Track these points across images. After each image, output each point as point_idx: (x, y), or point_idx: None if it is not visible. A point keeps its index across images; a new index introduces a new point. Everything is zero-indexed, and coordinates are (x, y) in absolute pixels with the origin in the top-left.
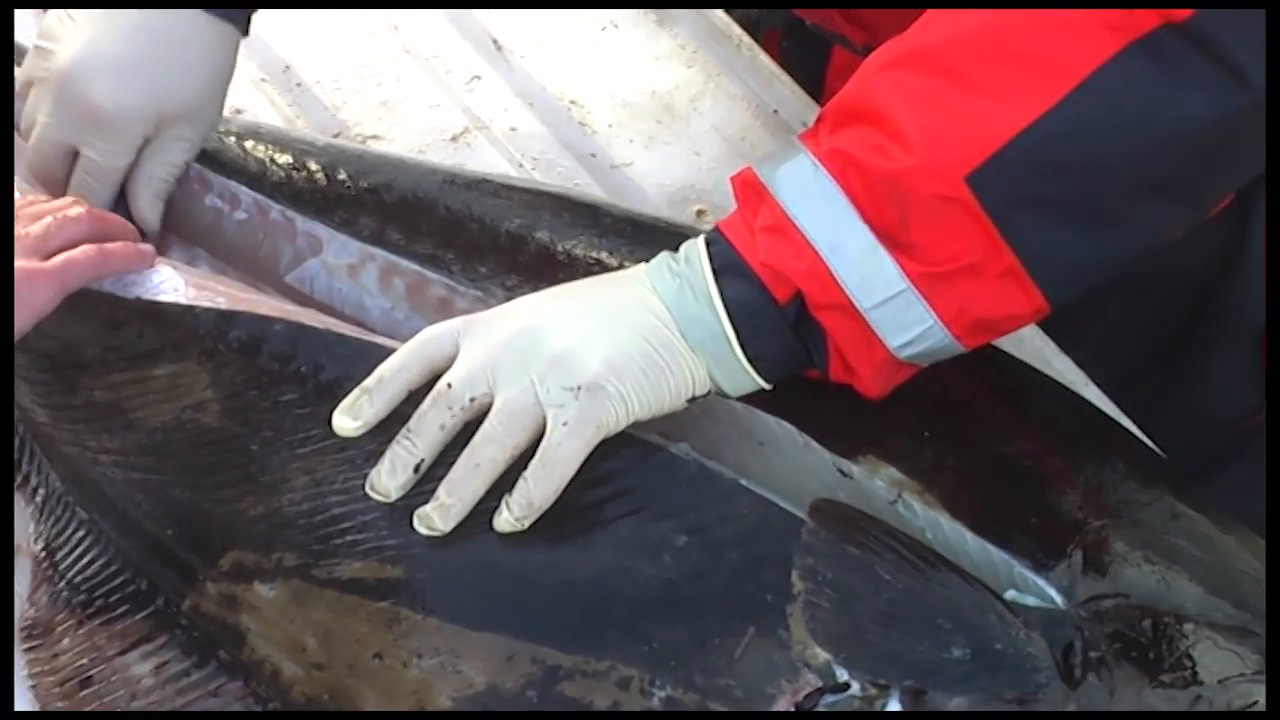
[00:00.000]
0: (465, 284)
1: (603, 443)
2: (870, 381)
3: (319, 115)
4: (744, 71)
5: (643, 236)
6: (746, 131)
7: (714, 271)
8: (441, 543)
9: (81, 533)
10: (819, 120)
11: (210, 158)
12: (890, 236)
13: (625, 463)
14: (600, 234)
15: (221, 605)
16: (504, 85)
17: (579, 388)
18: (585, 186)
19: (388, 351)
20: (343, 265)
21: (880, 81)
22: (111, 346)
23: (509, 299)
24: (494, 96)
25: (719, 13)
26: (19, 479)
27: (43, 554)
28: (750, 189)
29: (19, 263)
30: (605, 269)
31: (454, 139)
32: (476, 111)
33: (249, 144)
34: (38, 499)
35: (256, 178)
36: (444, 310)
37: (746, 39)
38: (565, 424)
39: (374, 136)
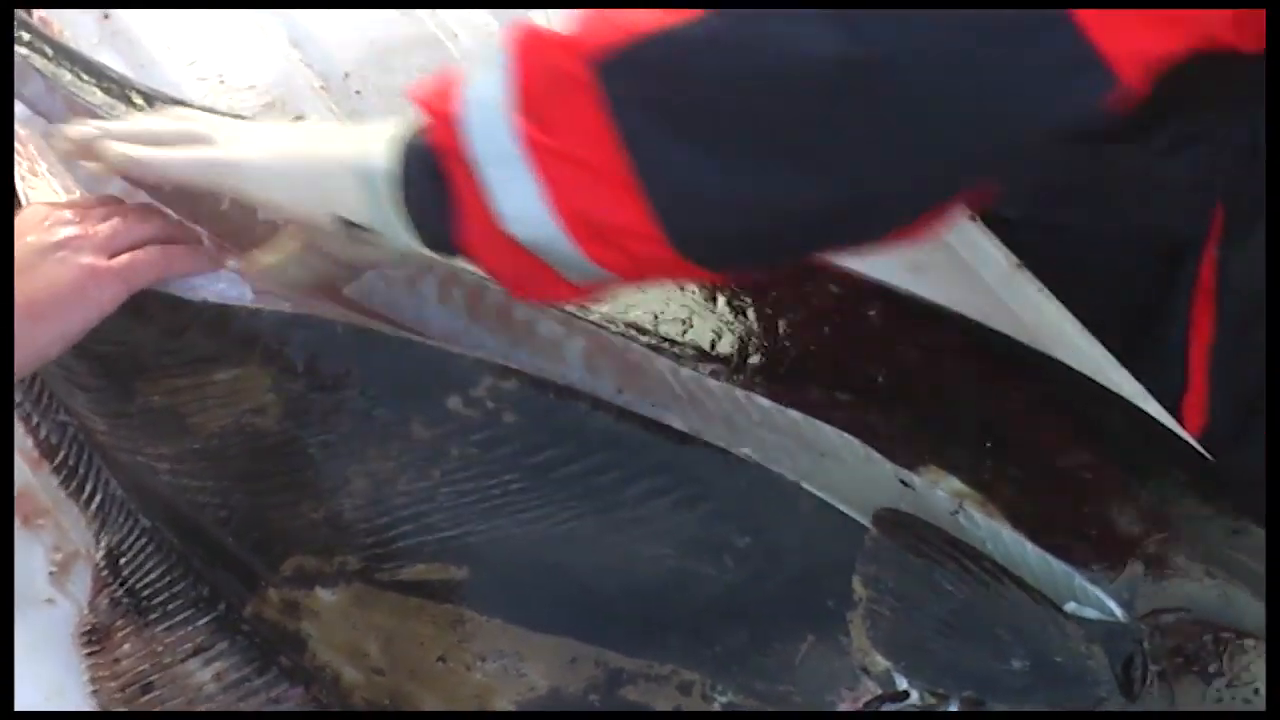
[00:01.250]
0: None
1: (665, 444)
2: (483, 251)
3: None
4: None
5: None
6: None
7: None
8: (505, 544)
9: (143, 540)
10: None
11: None
12: (528, 109)
13: (688, 464)
14: None
15: (283, 611)
16: None
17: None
18: None
19: (452, 356)
20: (401, 276)
21: None
22: (172, 350)
23: (567, 309)
24: None
25: None
26: (77, 486)
27: (103, 561)
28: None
29: (86, 260)
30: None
31: None
32: None
33: None
34: (96, 506)
35: None
36: (504, 320)
37: None
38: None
39: None
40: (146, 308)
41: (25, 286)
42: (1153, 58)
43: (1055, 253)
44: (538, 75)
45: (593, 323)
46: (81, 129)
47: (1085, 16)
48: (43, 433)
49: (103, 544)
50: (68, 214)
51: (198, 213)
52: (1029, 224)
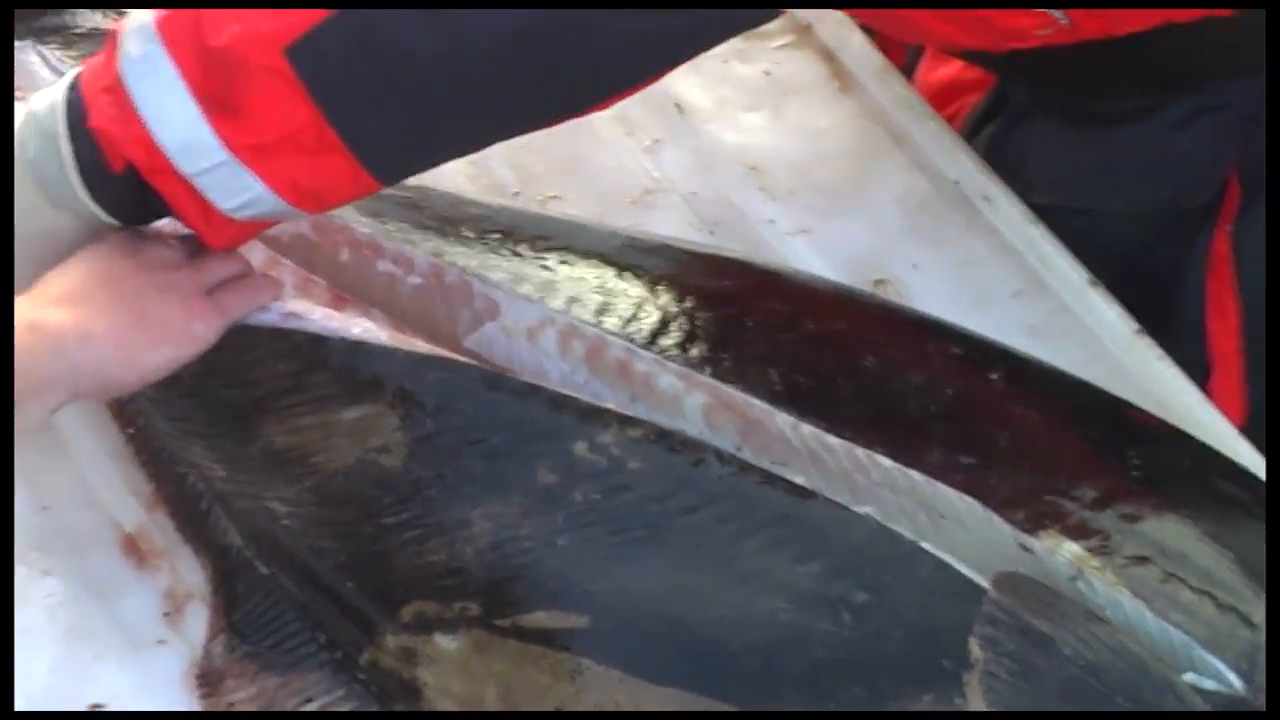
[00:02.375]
0: (645, 347)
1: (786, 498)
2: (210, 238)
3: (499, 174)
4: (925, 141)
5: (822, 304)
6: (926, 202)
7: (69, 128)
8: (625, 593)
9: (259, 586)
10: None
11: (383, 222)
12: (217, 105)
13: (808, 519)
14: (779, 300)
15: (400, 658)
16: (685, 149)
17: None
18: (764, 252)
19: (578, 403)
20: (522, 328)
21: None
22: (298, 389)
23: (689, 365)
24: (675, 160)
25: (901, 81)
26: (193, 532)
27: (218, 606)
28: (112, 39)
29: (190, 296)
30: (783, 334)
31: (634, 202)
32: (657, 174)
33: (422, 206)
34: (212, 553)
35: (431, 241)
36: (624, 374)
37: (929, 109)
38: None
39: (553, 197)
40: (272, 346)
41: (143, 315)
42: None
43: (1085, 236)
44: (212, 69)
45: (713, 378)
46: None
47: None
48: (160, 481)
49: (218, 589)
50: (166, 250)
51: (314, 262)
52: (1060, 209)
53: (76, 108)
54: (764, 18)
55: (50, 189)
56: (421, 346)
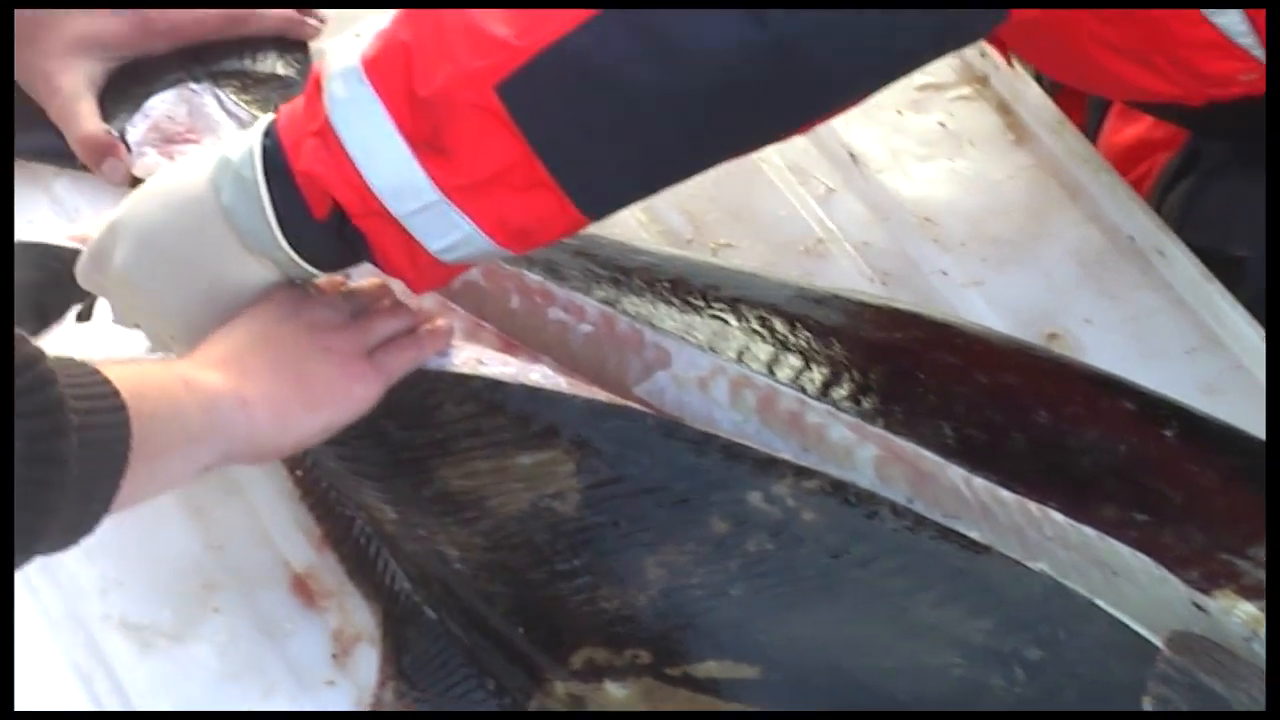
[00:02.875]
0: (817, 398)
1: (960, 552)
2: (416, 281)
3: (671, 221)
4: (1100, 195)
5: (995, 358)
6: (1101, 256)
7: (265, 174)
8: (796, 644)
9: (428, 631)
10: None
11: (554, 269)
12: (428, 146)
13: (982, 574)
14: (951, 352)
15: (569, 705)
16: (858, 199)
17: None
18: (936, 303)
19: (754, 453)
20: (693, 378)
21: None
22: (477, 433)
23: (861, 417)
24: (848, 209)
25: (1076, 134)
26: (363, 576)
27: (387, 651)
28: (315, 83)
29: (352, 358)
30: (956, 387)
31: (806, 250)
32: (830, 224)
33: (593, 254)
34: (382, 597)
35: (603, 289)
36: (795, 425)
37: (1105, 162)
38: None
39: (725, 245)
40: (452, 391)
41: (302, 379)
42: None
43: None
44: (422, 109)
45: (886, 430)
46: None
47: None
48: (329, 523)
49: (386, 633)
50: (329, 310)
51: (484, 308)
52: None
53: (275, 154)
54: (976, 29)
55: (246, 236)
56: (598, 393)
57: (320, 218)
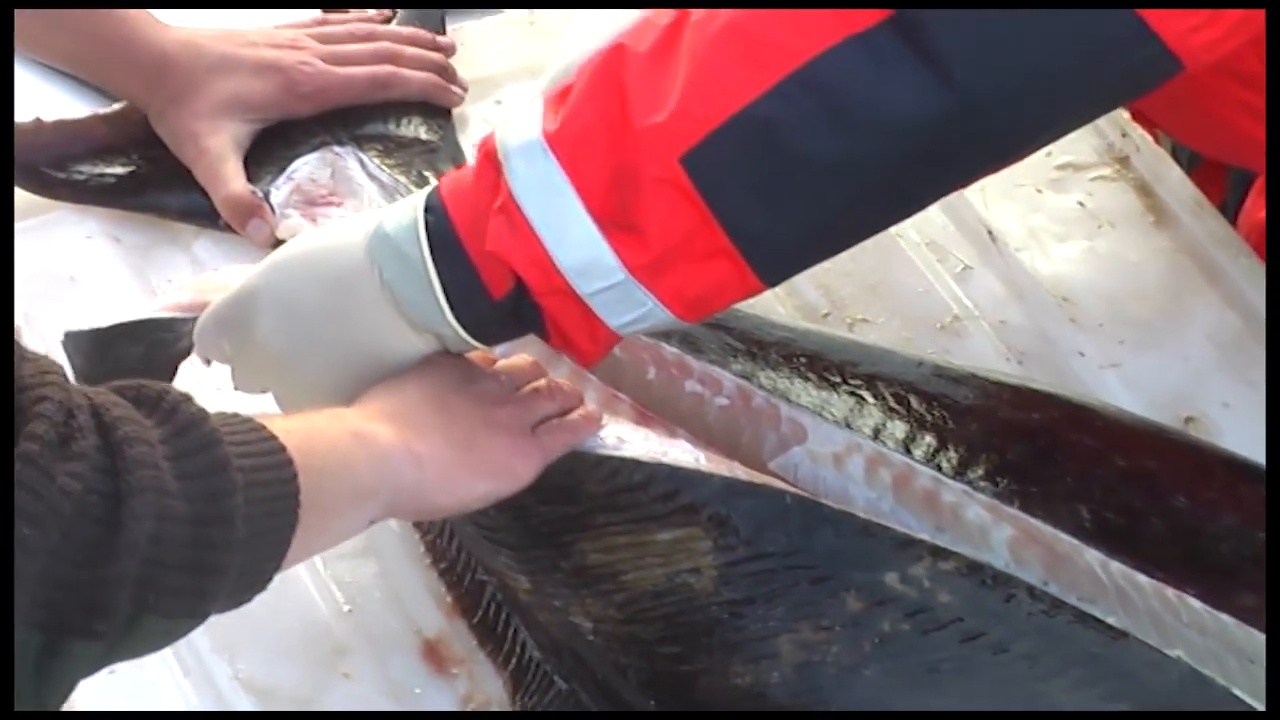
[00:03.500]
0: (952, 478)
1: (1097, 637)
2: (590, 356)
3: (808, 296)
4: (1240, 279)
5: (1133, 441)
6: (1239, 339)
7: (431, 249)
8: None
9: (558, 702)
10: (559, 95)
11: (690, 342)
12: (615, 223)
13: (1118, 660)
14: (1090, 434)
15: None
16: (996, 277)
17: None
18: (1072, 384)
19: (891, 532)
20: (828, 454)
21: (616, 64)
22: (618, 508)
23: (997, 497)
24: (985, 287)
25: (1216, 216)
26: (494, 646)
27: None
28: (489, 160)
29: (516, 434)
30: (1093, 469)
31: (942, 328)
32: (966, 301)
33: (730, 327)
34: (513, 667)
35: (739, 362)
36: (930, 504)
37: (1245, 246)
38: None
39: (862, 320)
40: (594, 471)
41: (471, 447)
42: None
43: None
44: (610, 185)
45: (1021, 511)
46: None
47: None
48: (460, 589)
49: (516, 702)
50: (495, 384)
51: (619, 379)
52: None
53: (443, 231)
54: (1157, 76)
55: (409, 311)
56: (738, 469)
57: (498, 296)
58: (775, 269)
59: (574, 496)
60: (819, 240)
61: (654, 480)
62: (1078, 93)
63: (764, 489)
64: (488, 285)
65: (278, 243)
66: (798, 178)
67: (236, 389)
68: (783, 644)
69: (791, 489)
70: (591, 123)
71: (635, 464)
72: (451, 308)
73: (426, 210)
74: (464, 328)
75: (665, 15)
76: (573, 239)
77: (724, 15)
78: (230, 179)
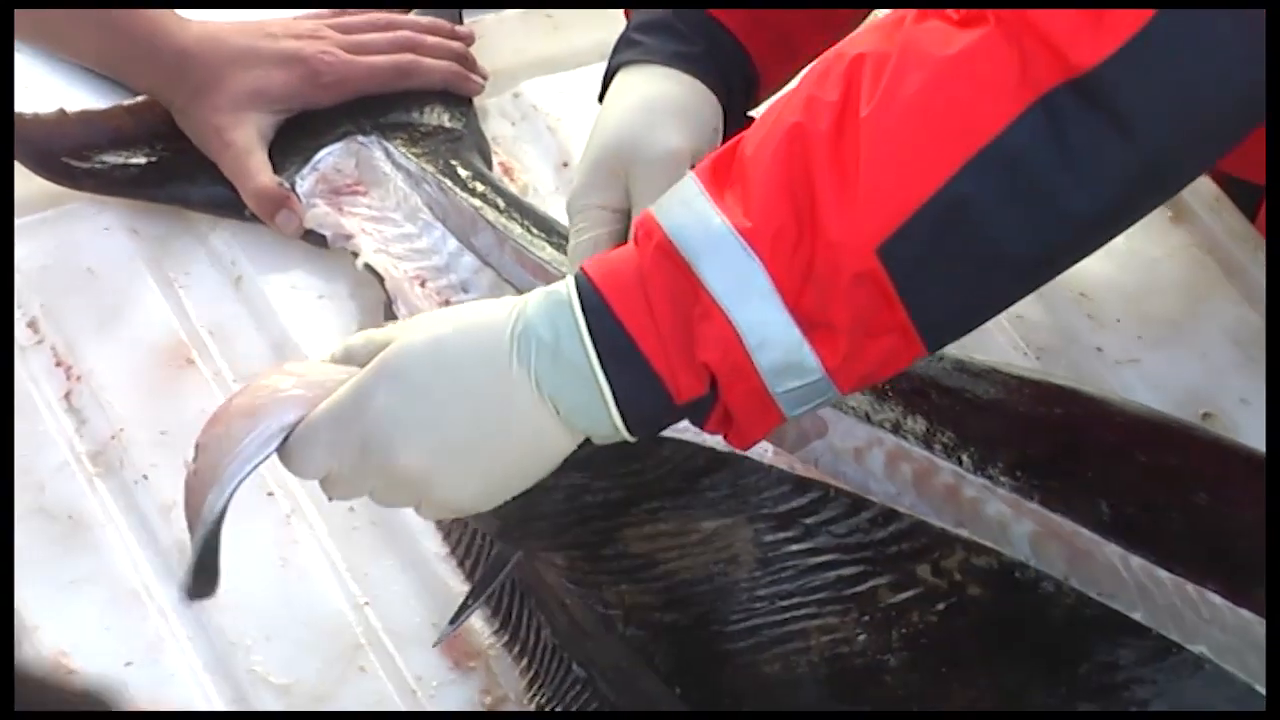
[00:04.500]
0: (973, 473)
1: (1119, 634)
2: (752, 442)
3: None
4: (1258, 274)
5: (1154, 436)
6: (1258, 336)
7: (599, 354)
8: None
9: (576, 689)
10: (721, 177)
11: None
12: (810, 321)
13: (1138, 657)
14: (1111, 429)
15: None
16: None
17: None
18: (1090, 380)
19: (929, 527)
20: (849, 448)
21: (799, 151)
22: (670, 492)
23: (1018, 492)
24: None
25: (1235, 213)
26: (510, 637)
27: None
28: (663, 254)
29: None
30: (1114, 465)
31: None
32: None
33: None
34: (530, 653)
35: None
36: (951, 498)
37: (1263, 241)
38: None
39: None
40: (655, 450)
41: None
42: None
43: None
44: (808, 281)
45: (1042, 506)
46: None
47: None
48: (479, 580)
49: (534, 697)
50: None
51: None
52: None
53: (612, 335)
54: None
55: (571, 418)
56: (798, 466)
57: (683, 401)
58: (941, 339)
59: (629, 479)
60: (984, 314)
61: (711, 468)
62: (1236, 127)
63: (809, 483)
64: (672, 391)
65: (307, 233)
66: (988, 254)
67: (332, 499)
68: (814, 632)
69: (836, 482)
70: (785, 219)
71: (694, 448)
72: (623, 414)
73: (586, 313)
74: (628, 427)
75: (831, 87)
76: (775, 340)
77: (904, 89)
78: (257, 172)
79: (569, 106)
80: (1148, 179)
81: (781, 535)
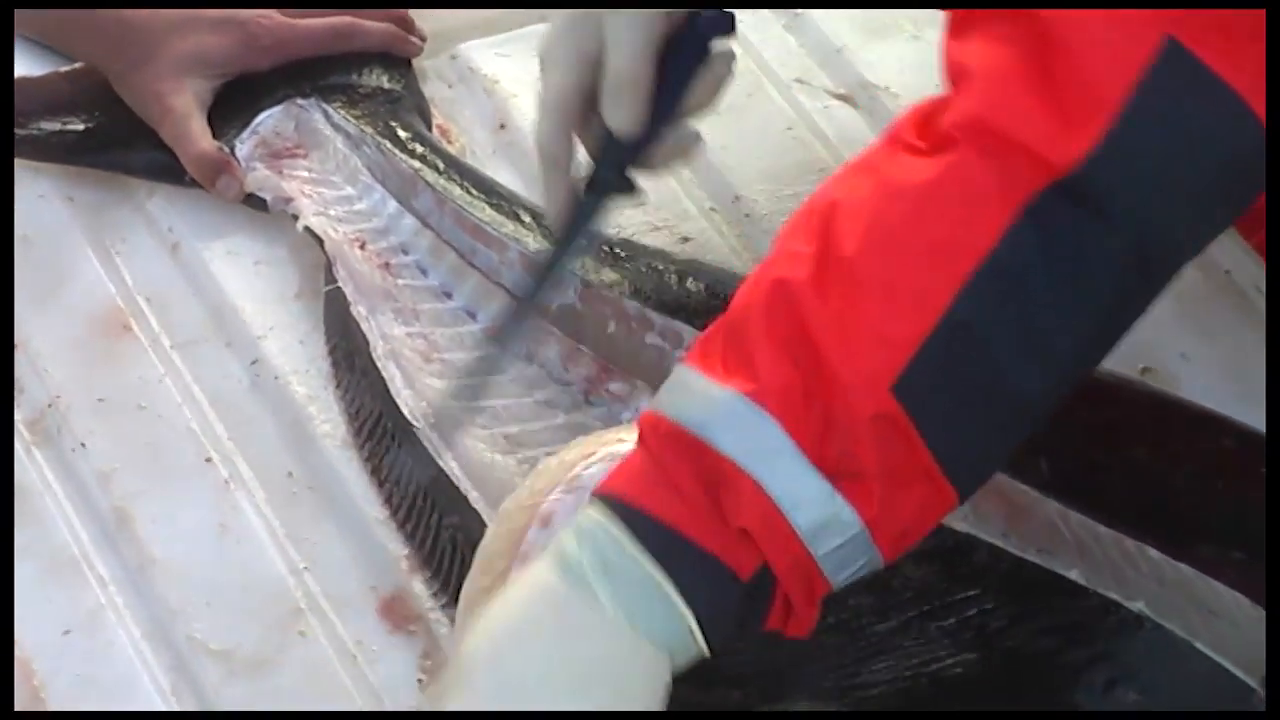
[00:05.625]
0: None
1: (1056, 594)
2: (806, 625)
3: (765, 248)
4: None
5: (1094, 392)
6: (1197, 291)
7: (663, 566)
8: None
9: None
10: (718, 352)
11: (651, 296)
12: (836, 472)
13: (1078, 615)
14: None
15: None
16: None
17: None
18: None
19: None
20: None
21: (789, 306)
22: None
23: None
24: None
25: None
26: (450, 599)
27: None
28: (680, 443)
29: None
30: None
31: None
32: None
33: (691, 280)
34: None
35: (700, 316)
36: None
37: None
38: None
39: None
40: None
41: None
42: None
43: None
44: (826, 437)
45: None
46: None
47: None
48: (418, 542)
49: None
50: None
51: (581, 332)
52: None
53: (659, 536)
54: None
55: (647, 637)
56: None
57: (747, 577)
58: (973, 483)
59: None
60: (1005, 452)
61: None
62: (1221, 197)
63: None
64: (733, 566)
65: (248, 197)
66: (992, 403)
67: None
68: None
69: None
70: (790, 375)
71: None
72: (695, 614)
73: (625, 528)
74: (703, 630)
75: (807, 237)
76: (807, 498)
77: (887, 221)
78: (198, 137)
79: (506, 68)
80: (1144, 264)
81: None
